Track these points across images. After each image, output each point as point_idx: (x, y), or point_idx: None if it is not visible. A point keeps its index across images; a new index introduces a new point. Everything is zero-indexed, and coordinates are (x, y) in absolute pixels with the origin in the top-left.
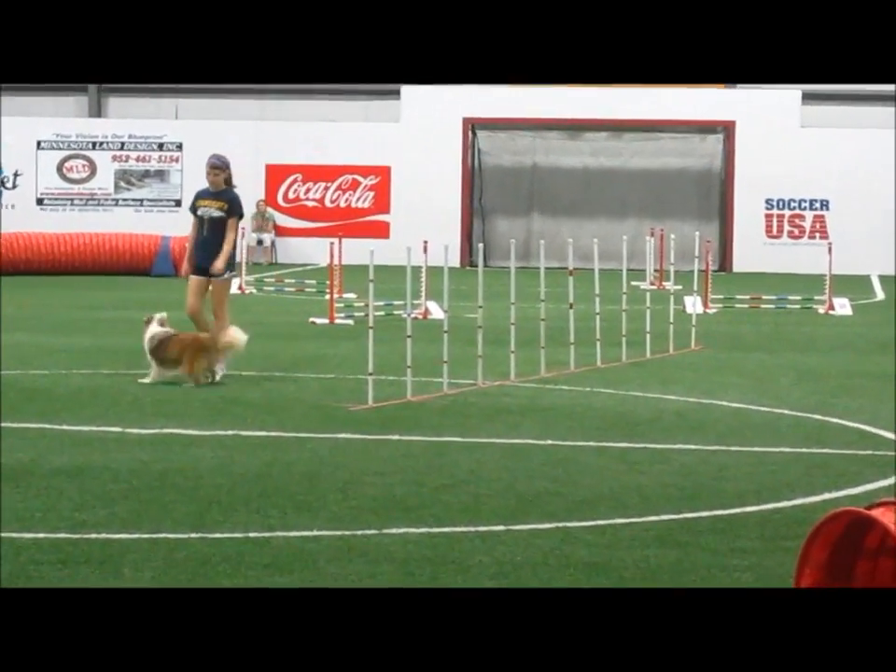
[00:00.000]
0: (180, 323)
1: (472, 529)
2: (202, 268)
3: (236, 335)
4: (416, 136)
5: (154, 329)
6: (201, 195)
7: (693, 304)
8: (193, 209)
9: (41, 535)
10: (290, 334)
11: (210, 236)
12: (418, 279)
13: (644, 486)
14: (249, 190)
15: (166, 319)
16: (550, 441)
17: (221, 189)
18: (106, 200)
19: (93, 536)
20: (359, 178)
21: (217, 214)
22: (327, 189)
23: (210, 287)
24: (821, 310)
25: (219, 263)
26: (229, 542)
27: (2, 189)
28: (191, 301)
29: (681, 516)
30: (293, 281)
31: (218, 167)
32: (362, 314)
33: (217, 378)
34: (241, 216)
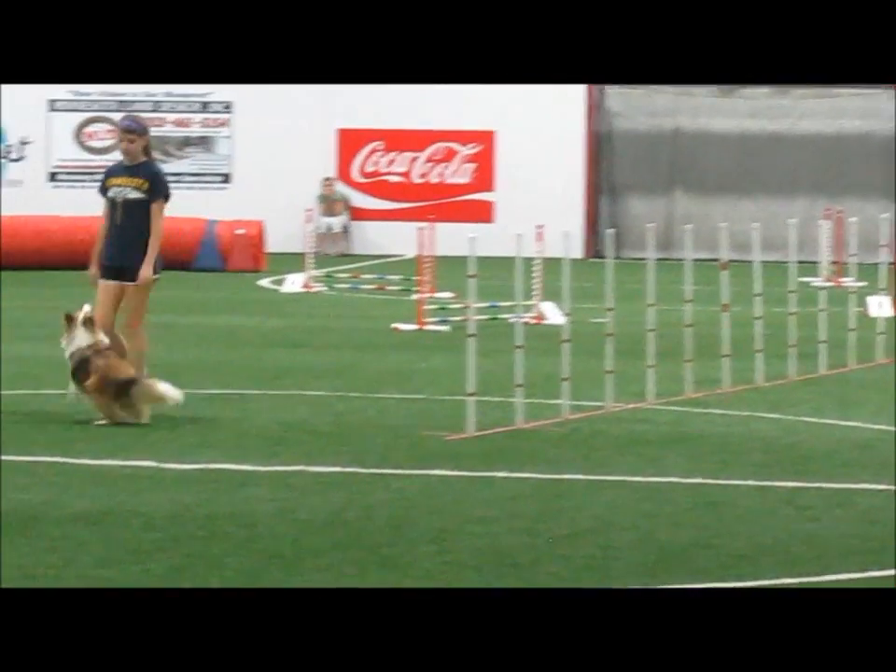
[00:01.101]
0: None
1: (600, 590)
2: (115, 269)
3: (169, 392)
4: (528, 94)
5: (80, 336)
6: (112, 172)
7: (880, 306)
8: (103, 190)
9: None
10: (369, 343)
11: (125, 225)
12: (531, 274)
13: (818, 537)
14: (316, 163)
15: (93, 318)
16: (698, 480)
17: (139, 162)
18: None
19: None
20: (456, 147)
21: (134, 195)
22: (415, 160)
23: (126, 294)
24: None
25: (146, 269)
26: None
27: (4, 161)
28: (101, 314)
29: (866, 574)
30: (372, 276)
31: (135, 131)
32: (460, 318)
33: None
34: (167, 197)
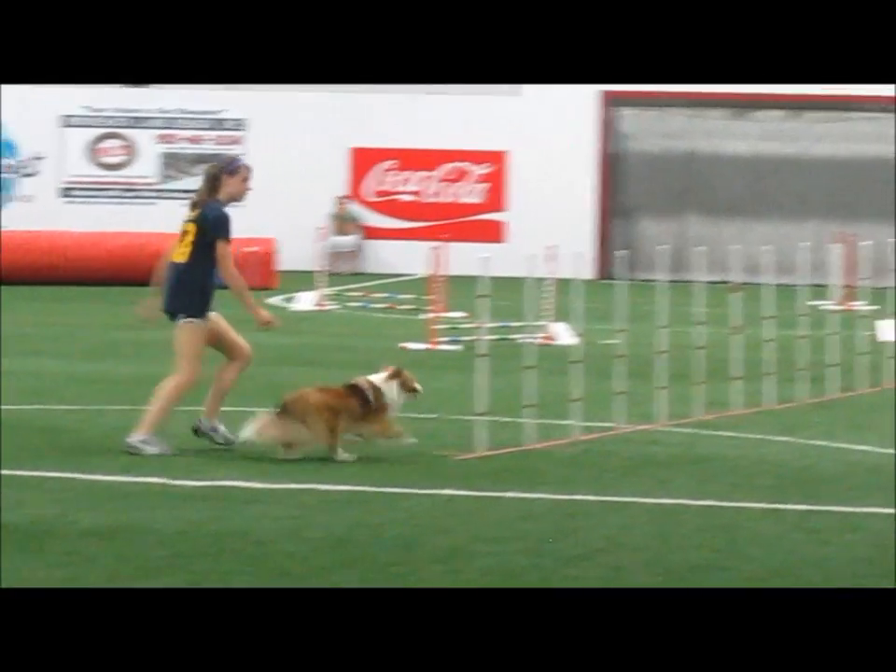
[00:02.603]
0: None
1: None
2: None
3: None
4: (541, 113)
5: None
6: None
7: (891, 330)
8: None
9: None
10: (379, 362)
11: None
12: (542, 295)
13: (828, 560)
14: (329, 182)
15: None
16: (709, 502)
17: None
18: (149, 191)
19: None
20: (469, 166)
21: None
22: (427, 179)
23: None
24: None
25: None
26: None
27: (17, 176)
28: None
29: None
30: (384, 295)
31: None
32: (471, 337)
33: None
34: None
